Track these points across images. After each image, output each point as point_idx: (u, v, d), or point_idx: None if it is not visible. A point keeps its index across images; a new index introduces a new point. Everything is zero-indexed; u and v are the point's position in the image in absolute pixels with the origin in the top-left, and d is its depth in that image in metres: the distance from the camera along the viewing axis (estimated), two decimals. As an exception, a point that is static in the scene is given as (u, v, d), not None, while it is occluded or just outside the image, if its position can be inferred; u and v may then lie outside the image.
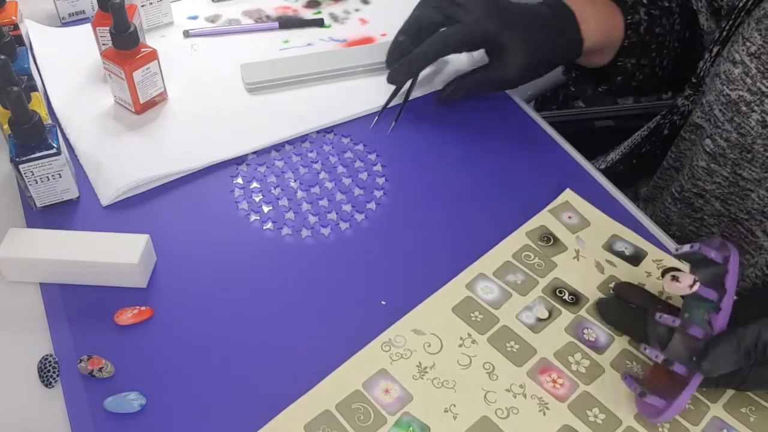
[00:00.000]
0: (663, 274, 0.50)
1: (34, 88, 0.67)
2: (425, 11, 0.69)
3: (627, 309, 0.54)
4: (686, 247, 0.50)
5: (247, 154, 0.68)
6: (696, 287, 0.46)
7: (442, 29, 0.68)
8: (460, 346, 0.53)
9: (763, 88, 0.59)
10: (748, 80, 0.60)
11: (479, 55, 0.77)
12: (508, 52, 0.66)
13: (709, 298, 0.47)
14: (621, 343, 0.53)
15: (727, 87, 0.62)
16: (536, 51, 0.66)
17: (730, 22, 0.65)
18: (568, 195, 0.64)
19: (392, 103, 0.73)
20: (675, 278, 0.48)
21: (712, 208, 0.69)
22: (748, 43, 0.60)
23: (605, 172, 0.69)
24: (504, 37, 0.65)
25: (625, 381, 0.49)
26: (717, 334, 0.46)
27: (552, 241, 0.60)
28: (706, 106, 0.66)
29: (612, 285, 0.56)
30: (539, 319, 0.54)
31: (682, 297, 0.50)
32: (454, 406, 0.49)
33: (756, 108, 0.60)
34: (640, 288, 0.55)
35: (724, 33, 0.66)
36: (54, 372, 0.50)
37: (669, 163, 0.76)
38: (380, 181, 0.66)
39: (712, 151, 0.65)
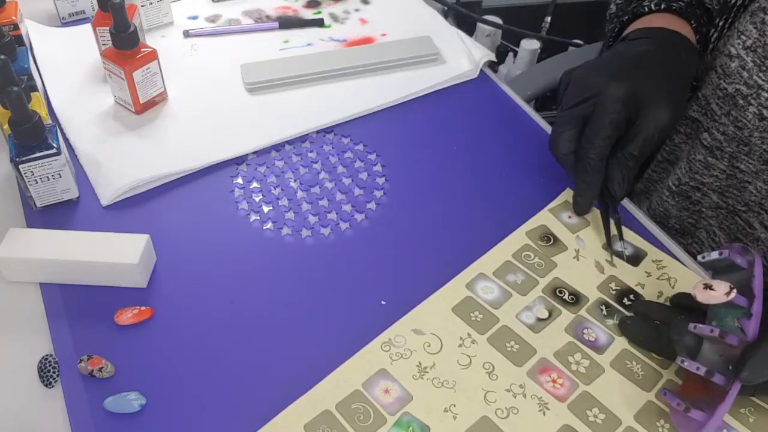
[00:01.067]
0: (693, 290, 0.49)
1: (34, 88, 0.67)
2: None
3: (652, 326, 0.52)
4: (714, 254, 0.49)
5: (247, 154, 0.68)
6: (733, 294, 0.45)
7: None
8: (460, 346, 0.53)
9: (760, 81, 0.59)
10: (745, 74, 0.60)
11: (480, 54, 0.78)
12: (651, 101, 0.58)
13: (739, 304, 0.46)
14: (621, 343, 0.53)
15: (724, 81, 0.62)
16: (674, 87, 0.60)
17: (725, 18, 0.65)
18: (568, 195, 0.64)
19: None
20: (708, 287, 0.46)
21: (710, 201, 0.69)
22: (743, 37, 0.61)
23: None
24: (638, 85, 0.58)
25: (664, 397, 0.47)
26: (752, 340, 0.45)
27: (552, 241, 0.60)
28: (702, 99, 0.66)
29: (632, 305, 0.55)
30: (539, 319, 0.54)
31: (709, 306, 0.48)
32: (454, 406, 0.49)
33: (753, 101, 0.60)
34: (659, 303, 0.55)
35: (719, 28, 0.66)
36: (54, 372, 0.50)
37: (663, 156, 0.76)
38: (380, 181, 0.66)
39: (709, 145, 0.66)
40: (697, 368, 0.46)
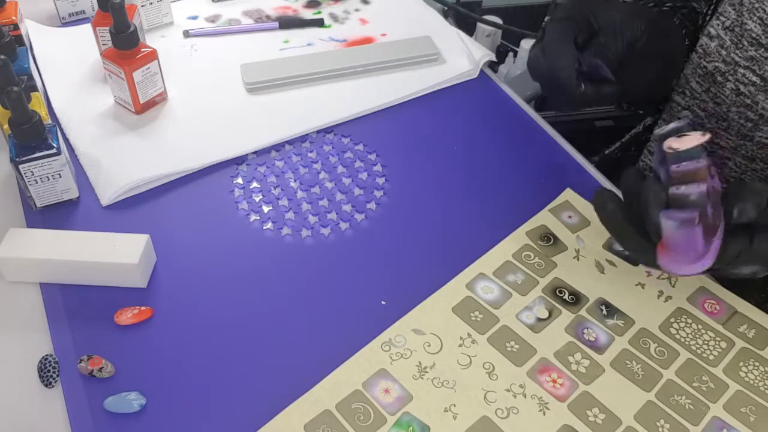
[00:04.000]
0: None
1: (34, 88, 0.67)
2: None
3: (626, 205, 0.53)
4: (683, 121, 0.51)
5: (247, 154, 0.68)
6: (707, 137, 0.48)
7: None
8: (460, 345, 0.53)
9: (737, 59, 0.62)
10: (723, 52, 0.63)
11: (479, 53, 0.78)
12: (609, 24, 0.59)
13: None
14: (621, 343, 0.53)
15: (704, 60, 0.65)
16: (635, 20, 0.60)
17: (709, 5, 0.68)
18: (568, 195, 0.64)
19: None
20: (682, 135, 0.49)
21: None
22: (722, 18, 0.63)
23: (601, 163, 0.69)
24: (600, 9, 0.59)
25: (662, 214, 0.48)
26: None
27: (552, 241, 0.60)
28: (683, 79, 0.68)
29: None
30: (539, 319, 0.54)
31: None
32: (454, 405, 0.49)
33: (730, 77, 0.63)
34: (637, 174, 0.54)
35: (703, 15, 0.68)
36: (54, 372, 0.50)
37: (649, 137, 0.77)
38: (380, 181, 0.66)
39: (691, 122, 0.68)
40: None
